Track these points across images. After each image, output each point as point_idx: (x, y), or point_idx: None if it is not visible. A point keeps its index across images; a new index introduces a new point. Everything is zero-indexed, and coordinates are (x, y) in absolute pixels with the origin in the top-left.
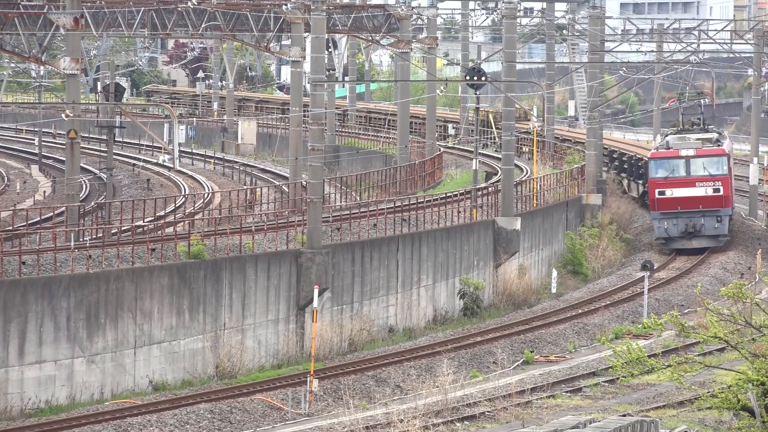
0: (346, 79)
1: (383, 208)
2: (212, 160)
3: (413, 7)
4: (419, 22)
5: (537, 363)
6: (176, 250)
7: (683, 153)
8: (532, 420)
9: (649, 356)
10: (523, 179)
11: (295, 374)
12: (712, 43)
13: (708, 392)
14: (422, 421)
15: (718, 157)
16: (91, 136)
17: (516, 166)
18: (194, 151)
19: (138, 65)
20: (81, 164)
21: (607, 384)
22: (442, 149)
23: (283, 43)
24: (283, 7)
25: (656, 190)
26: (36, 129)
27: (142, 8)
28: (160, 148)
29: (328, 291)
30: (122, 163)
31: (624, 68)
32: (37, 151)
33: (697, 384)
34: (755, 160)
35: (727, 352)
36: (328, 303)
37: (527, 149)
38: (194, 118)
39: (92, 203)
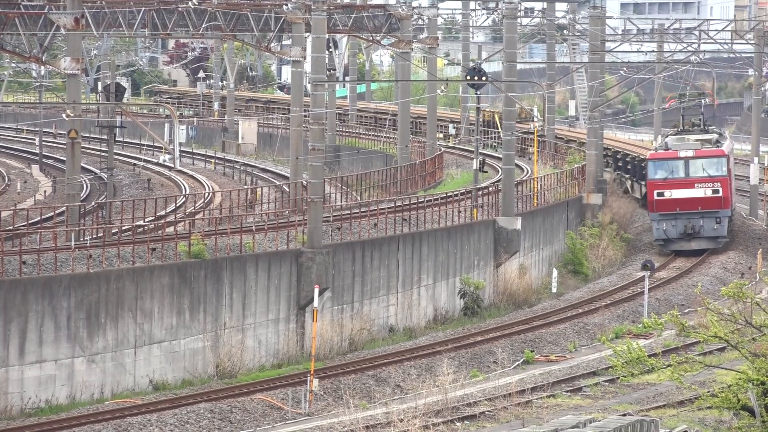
0: (347, 79)
1: (384, 208)
2: (213, 160)
3: (414, 7)
4: (420, 22)
5: (537, 362)
6: (177, 249)
7: (682, 154)
8: (532, 419)
9: (650, 356)
10: (524, 179)
11: (296, 374)
12: (712, 43)
13: (708, 392)
14: (422, 420)
15: (717, 158)
16: (91, 136)
17: (516, 165)
18: (195, 150)
19: (139, 65)
20: (81, 164)
21: (607, 383)
22: (442, 149)
23: (283, 43)
24: (284, 7)
25: (655, 191)
26: (37, 129)
27: (143, 8)
28: (160, 147)
29: (329, 290)
30: (123, 163)
31: (624, 68)
32: (37, 150)
33: (697, 383)
34: (756, 159)
35: (727, 352)
36: (329, 302)
37: (532, 150)
38: (195, 118)
39: (93, 203)
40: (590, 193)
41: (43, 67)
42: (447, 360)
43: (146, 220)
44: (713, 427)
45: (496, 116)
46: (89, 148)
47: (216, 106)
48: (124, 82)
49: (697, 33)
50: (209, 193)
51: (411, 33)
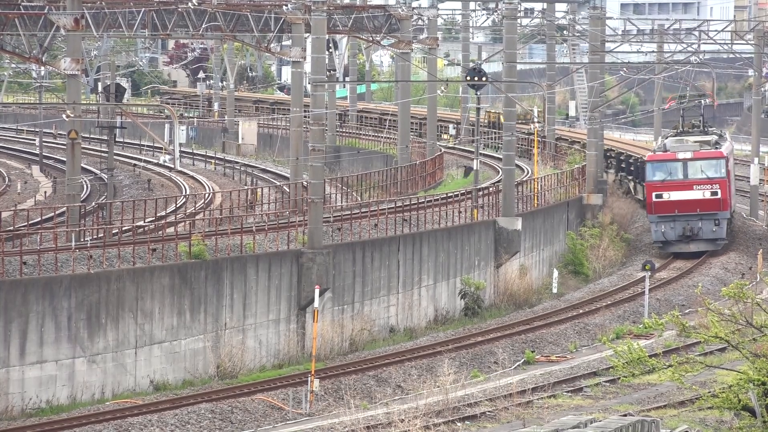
0: (347, 79)
1: (384, 209)
2: (213, 161)
3: (414, 8)
4: (420, 22)
5: (538, 363)
6: (177, 250)
7: (680, 156)
8: (533, 420)
9: (650, 356)
10: (524, 179)
11: (296, 374)
12: (712, 43)
13: (709, 392)
14: (423, 420)
15: (715, 160)
16: (91, 136)
17: (517, 166)
18: (195, 151)
19: (138, 66)
20: (82, 164)
21: (608, 384)
22: (442, 149)
23: (283, 43)
24: (284, 7)
25: (653, 193)
26: (37, 129)
27: (143, 9)
28: (160, 148)
29: (329, 291)
30: (123, 164)
31: (624, 69)
32: (38, 151)
33: (698, 384)
34: (756, 160)
35: (728, 352)
36: (329, 303)
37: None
38: (195, 119)
39: (93, 203)
40: (590, 194)
41: (43, 68)
42: (448, 360)
43: (146, 220)
44: (714, 428)
45: (501, 117)
46: (89, 149)
47: (216, 106)
48: (124, 83)
49: (696, 33)
50: (209, 194)
51: (411, 33)
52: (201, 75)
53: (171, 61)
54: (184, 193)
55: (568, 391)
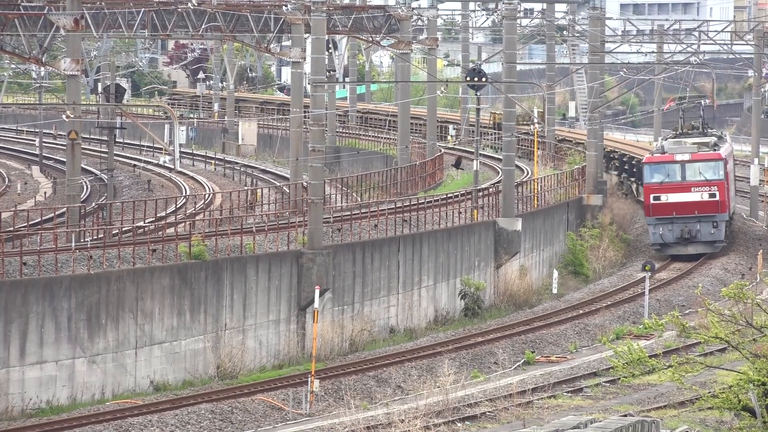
0: (347, 79)
1: (384, 209)
2: (213, 161)
3: (413, 8)
4: (419, 23)
5: (538, 363)
6: (177, 250)
7: (678, 158)
8: (533, 420)
9: (650, 357)
10: (524, 180)
11: (296, 374)
12: (712, 44)
13: (709, 392)
14: (423, 421)
15: (714, 162)
16: (91, 137)
17: (517, 166)
18: (195, 152)
19: (138, 66)
20: (82, 165)
21: (608, 384)
22: (442, 150)
23: (283, 44)
24: (284, 8)
25: (651, 195)
26: (37, 130)
27: (143, 9)
28: (160, 149)
29: (329, 291)
30: (123, 164)
31: (624, 69)
32: (37, 152)
33: (698, 384)
34: (756, 161)
35: (728, 353)
36: (329, 303)
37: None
38: (195, 119)
39: (93, 204)
40: (590, 194)
41: (42, 68)
42: (448, 361)
43: (146, 221)
44: (714, 428)
45: None
46: (89, 150)
47: (216, 107)
48: (124, 83)
49: (696, 34)
50: (209, 194)
51: (411, 34)
52: (201, 75)
53: (171, 61)
54: (184, 194)
55: (568, 392)
